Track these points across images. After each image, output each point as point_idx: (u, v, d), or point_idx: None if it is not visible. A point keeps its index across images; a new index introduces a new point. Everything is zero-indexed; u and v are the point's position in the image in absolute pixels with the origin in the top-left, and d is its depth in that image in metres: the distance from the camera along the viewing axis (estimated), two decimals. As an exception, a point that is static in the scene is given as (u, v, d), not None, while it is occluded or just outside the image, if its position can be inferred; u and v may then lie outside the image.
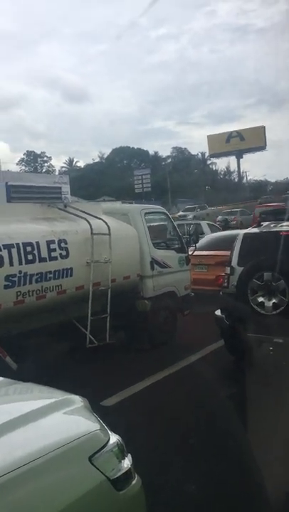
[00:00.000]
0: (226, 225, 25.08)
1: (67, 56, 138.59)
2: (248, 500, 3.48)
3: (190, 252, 8.57)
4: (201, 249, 10.33)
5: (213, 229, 16.65)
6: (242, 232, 6.98)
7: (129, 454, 2.45)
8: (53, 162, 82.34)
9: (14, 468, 1.90)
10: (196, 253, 9.22)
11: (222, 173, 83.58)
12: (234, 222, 28.25)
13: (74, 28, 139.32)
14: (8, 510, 1.82)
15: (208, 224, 17.73)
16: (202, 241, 11.45)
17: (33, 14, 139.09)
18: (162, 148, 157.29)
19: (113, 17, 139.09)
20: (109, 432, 2.44)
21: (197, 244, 11.21)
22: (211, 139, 75.10)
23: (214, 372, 6.10)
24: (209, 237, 12.40)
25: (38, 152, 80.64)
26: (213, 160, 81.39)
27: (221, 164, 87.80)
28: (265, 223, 6.80)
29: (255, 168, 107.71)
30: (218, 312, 6.56)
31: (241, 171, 79.03)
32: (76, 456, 2.16)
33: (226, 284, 6.56)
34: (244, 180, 78.79)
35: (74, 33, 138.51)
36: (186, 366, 6.65)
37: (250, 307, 5.85)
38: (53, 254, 5.94)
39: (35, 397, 2.90)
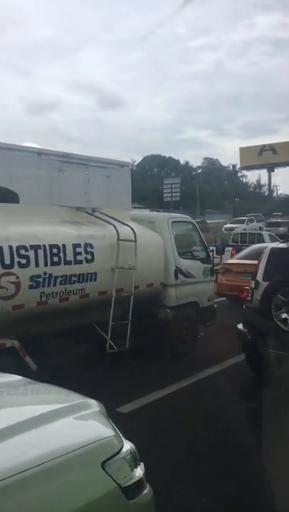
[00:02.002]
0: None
1: (104, 63, 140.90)
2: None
3: (217, 263, 8.58)
4: (247, 258, 10.83)
5: (273, 239, 17.24)
6: (269, 246, 6.90)
7: (142, 463, 2.43)
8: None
9: (25, 469, 1.90)
10: (241, 262, 10.22)
11: (252, 186, 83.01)
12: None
13: (113, 36, 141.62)
14: (17, 511, 1.81)
15: (269, 235, 18.85)
16: (247, 250, 12.12)
17: (73, 21, 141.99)
18: (193, 158, 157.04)
19: (153, 26, 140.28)
20: (123, 439, 2.42)
21: (243, 254, 11.69)
22: (243, 151, 74.73)
23: (233, 387, 6.01)
24: (255, 246, 12.71)
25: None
26: (244, 172, 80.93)
27: (251, 177, 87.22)
28: (293, 239, 6.71)
29: (286, 182, 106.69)
30: (240, 326, 6.49)
31: (272, 184, 78.36)
32: (89, 461, 2.15)
33: (249, 299, 6.48)
34: (274, 194, 78.03)
35: (113, 41, 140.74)
36: (205, 378, 6.58)
37: (273, 323, 5.76)
38: (79, 257, 5.98)
39: (52, 399, 2.92)
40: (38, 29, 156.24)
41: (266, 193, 79.54)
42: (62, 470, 2.02)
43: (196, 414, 5.20)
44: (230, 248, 16.29)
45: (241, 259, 11.76)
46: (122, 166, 14.18)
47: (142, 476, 2.34)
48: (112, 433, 2.39)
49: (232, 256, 13.78)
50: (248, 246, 14.18)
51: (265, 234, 19.58)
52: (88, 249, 6.11)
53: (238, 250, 14.14)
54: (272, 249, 6.59)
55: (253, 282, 6.50)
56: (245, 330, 6.32)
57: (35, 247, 5.49)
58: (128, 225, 6.85)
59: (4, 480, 1.81)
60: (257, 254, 11.37)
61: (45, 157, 11.59)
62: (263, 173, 78.38)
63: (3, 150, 10.57)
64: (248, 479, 3.82)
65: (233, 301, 10.12)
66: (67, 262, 5.82)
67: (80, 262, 5.99)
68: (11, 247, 5.24)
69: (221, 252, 8.78)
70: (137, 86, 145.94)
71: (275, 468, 3.68)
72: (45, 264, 5.57)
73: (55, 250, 5.70)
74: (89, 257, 6.10)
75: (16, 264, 5.26)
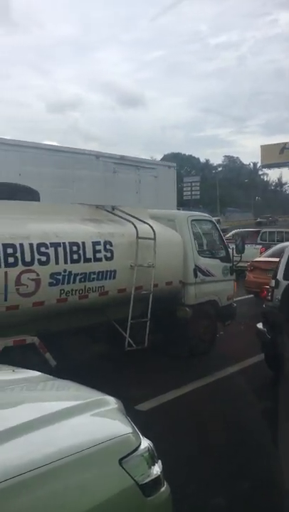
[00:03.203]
0: None
1: (124, 62, 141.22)
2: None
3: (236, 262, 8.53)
4: (274, 256, 10.79)
5: None
6: (290, 245, 6.83)
7: (160, 461, 2.43)
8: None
9: (42, 464, 1.91)
10: (269, 259, 10.41)
11: (273, 184, 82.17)
12: None
13: (132, 35, 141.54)
14: (35, 506, 1.83)
15: None
16: (275, 248, 12.30)
17: (94, 21, 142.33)
18: (214, 156, 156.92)
19: (173, 25, 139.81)
20: (141, 437, 2.42)
21: (271, 251, 11.78)
22: (265, 149, 73.95)
23: (251, 386, 5.97)
24: (283, 244, 12.92)
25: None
26: (265, 171, 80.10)
27: (272, 175, 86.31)
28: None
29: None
30: (260, 325, 6.43)
31: (293, 183, 77.39)
32: (106, 457, 2.16)
33: (269, 297, 6.42)
34: (296, 193, 77.08)
35: (132, 40, 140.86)
36: (224, 377, 6.55)
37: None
38: (98, 255, 6.01)
39: (70, 395, 2.93)
40: (58, 29, 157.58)
41: (288, 192, 78.63)
42: (79, 466, 2.03)
43: (215, 414, 5.17)
44: (259, 246, 16.25)
45: (269, 256, 11.70)
46: (168, 167, 15.09)
47: (159, 473, 2.33)
48: (130, 430, 2.39)
49: (261, 254, 13.73)
50: (276, 244, 14.17)
51: None
52: (108, 246, 6.14)
53: (267, 248, 14.10)
54: (293, 248, 6.51)
55: (274, 281, 6.44)
56: (265, 329, 6.26)
57: (55, 245, 5.54)
58: (147, 223, 6.85)
59: (22, 475, 1.83)
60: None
61: (102, 159, 12.48)
62: (285, 172, 77.61)
63: (67, 153, 11.43)
64: (265, 480, 3.79)
65: (260, 298, 10.08)
66: (86, 260, 5.86)
67: (100, 259, 6.02)
68: (31, 245, 5.30)
69: (240, 250, 8.70)
70: (156, 84, 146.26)
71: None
72: (65, 262, 5.61)
73: (74, 248, 5.74)
74: (108, 254, 6.13)
75: (36, 262, 5.31)
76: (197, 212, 9.65)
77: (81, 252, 5.81)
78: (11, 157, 10.14)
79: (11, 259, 5.11)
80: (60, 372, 3.57)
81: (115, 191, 11.85)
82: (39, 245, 5.38)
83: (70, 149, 12.26)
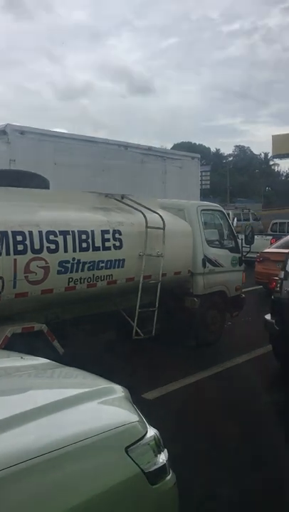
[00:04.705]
0: None
1: (136, 48, 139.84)
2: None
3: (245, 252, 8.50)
4: (284, 247, 10.93)
5: None
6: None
7: (166, 449, 2.44)
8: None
9: (50, 450, 1.92)
10: (278, 250, 10.72)
11: (284, 174, 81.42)
12: None
13: (145, 21, 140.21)
14: (42, 490, 1.84)
15: None
16: (285, 239, 12.62)
17: (106, 7, 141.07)
18: (225, 145, 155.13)
19: (186, 11, 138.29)
20: (147, 425, 2.43)
21: (281, 242, 12.13)
22: (276, 139, 72.59)
23: (258, 377, 5.98)
24: None
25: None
26: (276, 161, 79.23)
27: (284, 165, 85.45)
28: None
29: None
30: (268, 317, 6.42)
31: (305, 173, 76.58)
32: (113, 445, 2.17)
33: (278, 289, 6.39)
34: (307, 184, 76.31)
35: (145, 26, 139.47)
36: (231, 367, 6.57)
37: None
38: (107, 244, 6.00)
39: (77, 383, 2.95)
40: (69, 14, 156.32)
41: (299, 182, 77.85)
42: (85, 453, 2.04)
43: (221, 404, 5.18)
44: (269, 237, 16.21)
45: (279, 248, 11.66)
46: (192, 158, 15.59)
47: (165, 462, 2.35)
48: (137, 418, 2.40)
49: (271, 245, 13.70)
50: (287, 235, 14.14)
51: None
52: (117, 235, 6.13)
53: (277, 239, 14.06)
54: (303, 240, 6.47)
55: (283, 273, 6.40)
56: (273, 321, 6.25)
57: (64, 233, 5.54)
58: (157, 213, 6.83)
59: (30, 460, 1.85)
60: None
61: (131, 150, 12.99)
62: (296, 162, 76.62)
63: (97, 144, 11.85)
64: (271, 471, 3.80)
65: (268, 289, 10.08)
66: (95, 248, 5.86)
67: (109, 248, 6.02)
68: (40, 232, 5.30)
69: (250, 241, 8.66)
70: (168, 72, 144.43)
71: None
72: (74, 250, 5.61)
73: (83, 236, 5.73)
74: (117, 243, 6.12)
75: (45, 249, 5.32)
76: (207, 202, 9.60)
77: (90, 240, 5.80)
78: (46, 147, 10.35)
79: (20, 247, 5.11)
80: (68, 360, 3.58)
81: (142, 181, 12.20)
82: (48, 233, 5.38)
83: (100, 139, 12.65)
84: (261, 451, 4.16)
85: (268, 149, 76.73)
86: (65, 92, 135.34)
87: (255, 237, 9.61)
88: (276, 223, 20.98)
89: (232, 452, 4.23)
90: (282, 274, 6.41)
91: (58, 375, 3.05)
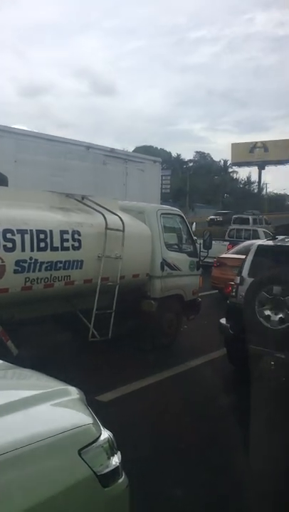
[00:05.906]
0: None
1: (102, 49, 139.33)
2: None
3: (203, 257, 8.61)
4: (240, 253, 10.96)
5: (268, 236, 17.65)
6: (256, 243, 6.94)
7: (119, 452, 2.44)
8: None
9: (0, 453, 1.89)
10: (235, 256, 10.84)
11: (242, 182, 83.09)
12: None
13: (114, 23, 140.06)
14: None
15: (264, 231, 19.30)
16: (241, 246, 12.62)
17: (75, 6, 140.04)
18: (185, 151, 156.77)
19: (154, 16, 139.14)
20: (102, 428, 2.43)
21: (237, 248, 12.10)
22: (235, 147, 74.62)
23: (212, 380, 6.07)
24: (249, 242, 13.24)
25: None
26: (235, 168, 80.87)
27: (242, 173, 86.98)
28: (280, 237, 6.74)
29: (276, 181, 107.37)
30: (223, 321, 6.53)
31: (262, 182, 78.47)
32: (66, 447, 2.15)
33: (234, 294, 6.51)
34: (263, 192, 78.23)
35: (113, 28, 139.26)
36: (186, 370, 6.63)
37: (255, 319, 5.80)
38: (65, 244, 5.94)
39: (31, 384, 2.90)
40: (37, 10, 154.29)
41: (256, 190, 79.63)
42: (38, 456, 2.01)
43: (176, 406, 5.23)
44: (226, 243, 16.49)
45: (235, 253, 11.88)
46: (154, 162, 15.67)
47: (118, 464, 2.35)
48: (91, 421, 2.39)
49: (228, 250, 13.93)
50: (243, 241, 14.43)
51: (260, 230, 19.81)
52: (76, 236, 6.08)
53: (234, 245, 14.32)
54: (259, 246, 6.62)
55: (238, 278, 6.53)
56: (228, 325, 6.36)
57: (22, 232, 5.45)
58: (117, 215, 6.82)
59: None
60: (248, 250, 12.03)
61: (93, 151, 12.87)
62: (254, 170, 78.44)
63: (59, 143, 11.66)
64: (225, 469, 3.87)
65: (224, 294, 10.26)
66: (53, 248, 5.79)
67: (67, 248, 5.96)
68: (-3, 230, 5.18)
69: (208, 246, 8.77)
70: (133, 75, 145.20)
71: (252, 459, 3.72)
72: (31, 249, 5.53)
73: (42, 236, 5.66)
74: (76, 244, 6.07)
75: (1, 248, 5.21)
76: (167, 206, 9.66)
77: (48, 240, 5.73)
78: (7, 143, 10.13)
79: (-25, 245, 5.00)
80: (22, 361, 3.52)
81: (104, 182, 12.32)
82: (5, 231, 5.27)
83: (62, 139, 12.69)
84: (215, 452, 4.22)
85: (227, 157, 78.42)
86: (26, 89, 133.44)
87: (213, 242, 9.73)
88: (233, 229, 21.45)
89: (185, 453, 4.27)
90: (238, 280, 6.54)
91: (10, 376, 2.99)
